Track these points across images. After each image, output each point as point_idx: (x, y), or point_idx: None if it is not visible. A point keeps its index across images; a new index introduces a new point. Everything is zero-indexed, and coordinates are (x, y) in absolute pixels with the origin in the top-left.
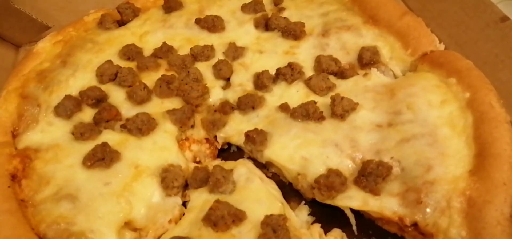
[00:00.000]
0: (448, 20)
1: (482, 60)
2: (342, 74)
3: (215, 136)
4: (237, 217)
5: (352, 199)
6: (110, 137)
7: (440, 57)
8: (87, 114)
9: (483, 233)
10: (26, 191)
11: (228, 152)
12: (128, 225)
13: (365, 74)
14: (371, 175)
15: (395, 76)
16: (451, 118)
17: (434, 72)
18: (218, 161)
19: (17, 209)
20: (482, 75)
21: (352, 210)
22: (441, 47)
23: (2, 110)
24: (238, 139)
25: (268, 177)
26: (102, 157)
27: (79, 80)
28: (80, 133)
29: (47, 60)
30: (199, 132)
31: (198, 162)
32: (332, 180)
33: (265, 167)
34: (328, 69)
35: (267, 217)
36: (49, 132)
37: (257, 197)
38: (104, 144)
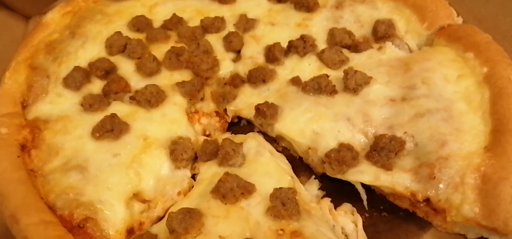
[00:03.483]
0: None
1: (501, 35)
2: (355, 47)
3: (225, 110)
4: (246, 189)
5: (363, 174)
6: (119, 108)
7: (458, 30)
8: (96, 86)
9: (497, 210)
10: (36, 161)
11: (238, 125)
12: (137, 196)
13: (380, 48)
14: (383, 150)
15: (410, 50)
16: (467, 93)
17: (451, 46)
18: (227, 135)
19: (27, 178)
20: (501, 49)
21: (363, 185)
22: (459, 20)
23: (12, 81)
24: (248, 113)
25: (278, 151)
26: (111, 128)
27: (88, 51)
28: (89, 105)
29: (56, 31)
30: (208, 105)
31: (208, 135)
32: (343, 154)
33: (275, 141)
34: (342, 42)
35: (277, 190)
36: (58, 103)
37: (266, 170)
38: (113, 115)
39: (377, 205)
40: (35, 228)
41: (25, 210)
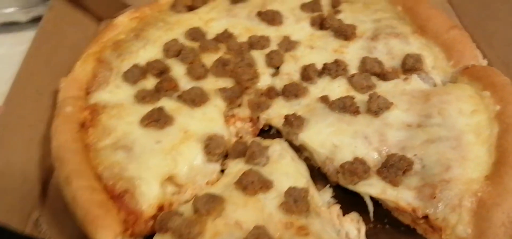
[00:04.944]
0: (499, 40)
1: None
2: (384, 76)
3: (258, 117)
4: (265, 184)
5: (372, 187)
6: (167, 104)
7: (480, 71)
8: (150, 82)
9: (487, 232)
10: (91, 137)
11: (268, 133)
12: (171, 179)
13: (406, 79)
14: (392, 167)
15: (435, 85)
16: (478, 127)
17: (472, 84)
18: (258, 139)
19: (82, 150)
20: None
21: (371, 198)
22: (484, 62)
23: (81, 69)
24: (278, 122)
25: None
26: (157, 119)
27: (148, 52)
28: (142, 97)
29: (123, 32)
30: (244, 111)
31: (240, 138)
32: (356, 166)
33: (299, 150)
34: (371, 70)
35: (291, 188)
36: (116, 93)
37: (286, 171)
38: (161, 108)
39: (381, 218)
40: (83, 191)
41: (77, 174)
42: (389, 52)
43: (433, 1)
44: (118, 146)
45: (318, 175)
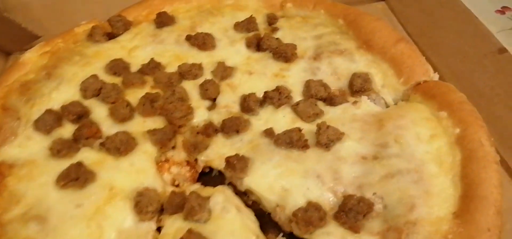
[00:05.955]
0: (446, 49)
1: (477, 92)
2: (331, 100)
3: (196, 160)
4: None
5: (330, 236)
6: (88, 155)
7: (433, 88)
8: (67, 130)
9: None
10: None
11: (209, 175)
12: None
13: (355, 102)
14: (351, 211)
15: (387, 105)
16: (439, 154)
17: (426, 104)
18: (197, 186)
19: None
20: (474, 110)
21: None
22: (435, 77)
23: None
24: (219, 164)
25: (248, 205)
26: (76, 177)
27: (63, 93)
28: (57, 150)
29: (32, 71)
30: (179, 154)
31: (177, 186)
32: (310, 214)
33: (245, 194)
34: (317, 95)
35: None
36: (27, 147)
37: (231, 229)
38: (79, 164)
39: None
40: None
41: None
42: (334, 72)
43: (375, 10)
44: (30, 217)
45: (269, 221)
